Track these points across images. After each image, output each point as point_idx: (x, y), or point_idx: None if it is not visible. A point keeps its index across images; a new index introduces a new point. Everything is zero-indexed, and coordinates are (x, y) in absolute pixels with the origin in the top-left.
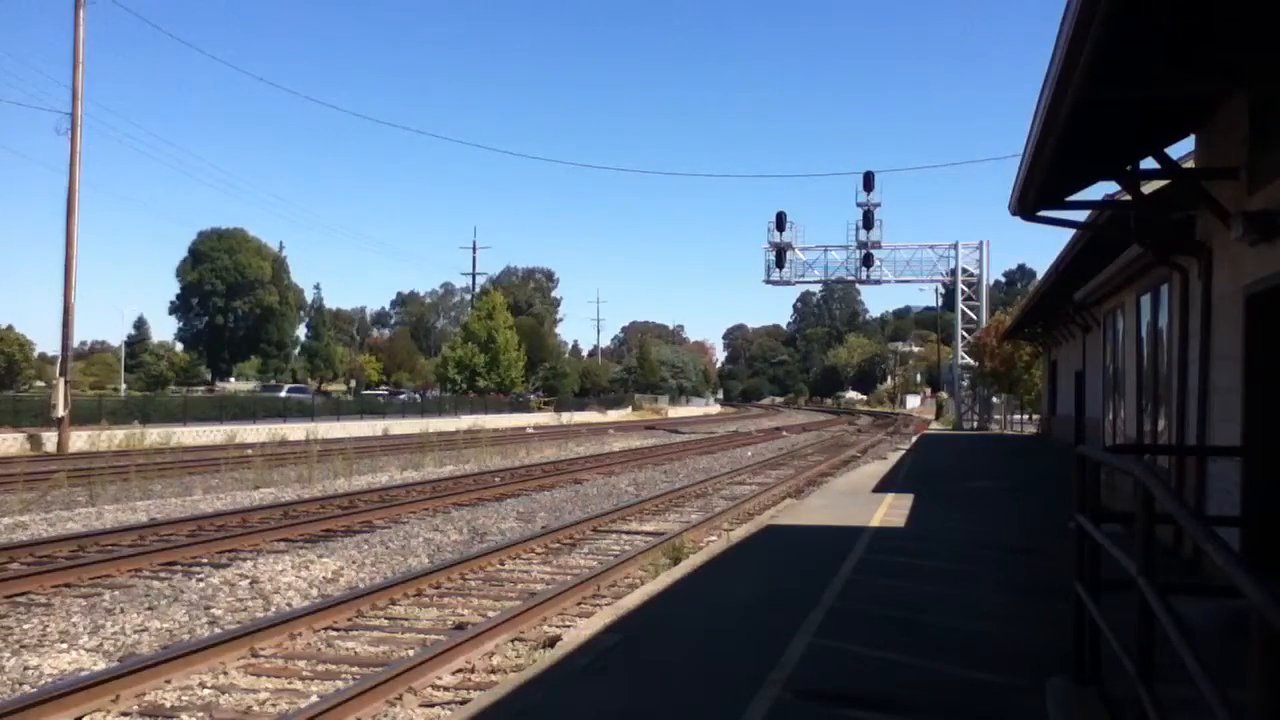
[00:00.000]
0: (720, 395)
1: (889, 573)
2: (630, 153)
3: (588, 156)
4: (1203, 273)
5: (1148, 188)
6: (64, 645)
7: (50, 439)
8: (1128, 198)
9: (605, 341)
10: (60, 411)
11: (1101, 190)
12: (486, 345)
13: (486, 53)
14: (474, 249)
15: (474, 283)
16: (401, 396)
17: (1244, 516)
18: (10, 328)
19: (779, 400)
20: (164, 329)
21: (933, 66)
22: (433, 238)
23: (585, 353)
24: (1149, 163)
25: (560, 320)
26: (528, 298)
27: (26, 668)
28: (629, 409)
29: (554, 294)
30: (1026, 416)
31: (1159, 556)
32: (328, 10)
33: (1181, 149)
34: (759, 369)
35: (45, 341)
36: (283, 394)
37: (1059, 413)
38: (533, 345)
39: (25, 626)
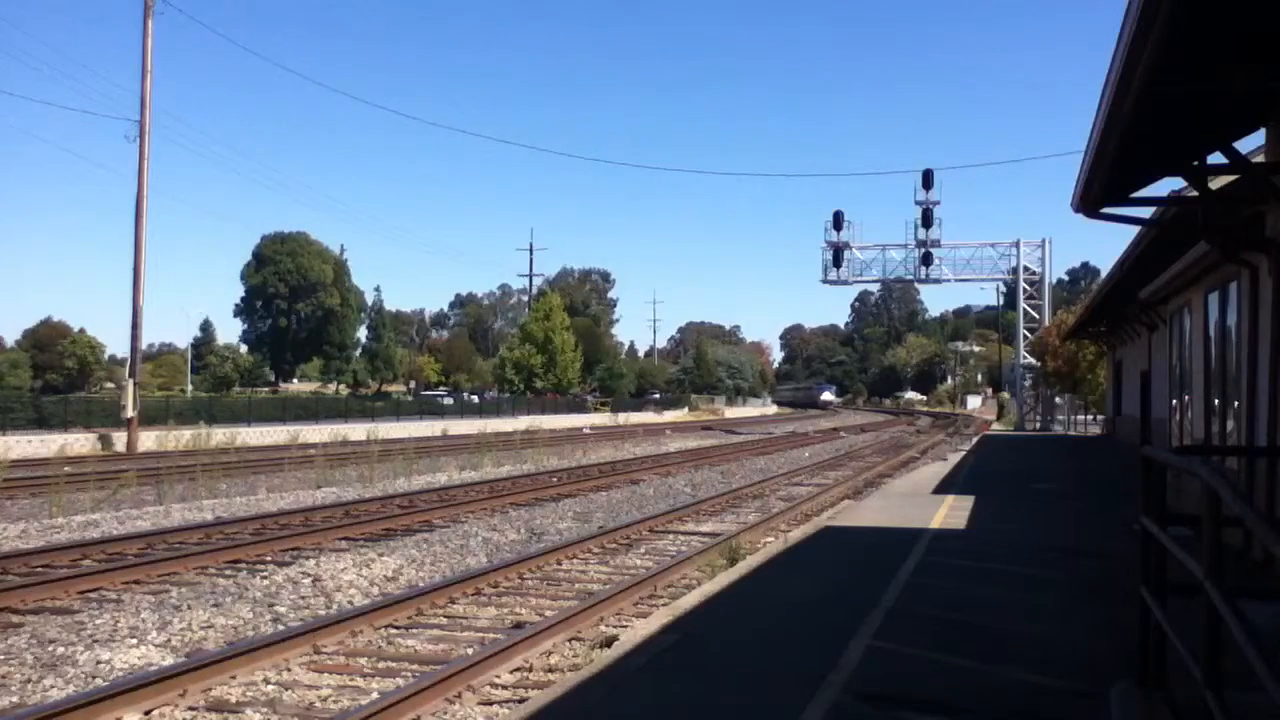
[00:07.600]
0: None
1: (949, 575)
2: (687, 153)
3: (644, 157)
4: (1273, 269)
5: (1215, 183)
6: (134, 640)
7: (120, 439)
8: (1194, 194)
9: (662, 342)
10: (129, 412)
11: (1167, 186)
12: (544, 346)
13: (544, 55)
14: (531, 250)
15: (531, 284)
16: (448, 401)
17: None
18: (82, 331)
19: (837, 400)
20: (229, 331)
21: (993, 62)
22: (491, 240)
23: (642, 353)
24: (1216, 157)
25: (617, 321)
26: (584, 299)
27: (99, 662)
28: (685, 409)
29: (610, 295)
30: (1090, 417)
31: (1228, 560)
32: (387, 13)
33: (1250, 143)
34: (816, 369)
35: (115, 344)
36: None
37: (1124, 413)
38: (589, 346)
39: (97, 622)
